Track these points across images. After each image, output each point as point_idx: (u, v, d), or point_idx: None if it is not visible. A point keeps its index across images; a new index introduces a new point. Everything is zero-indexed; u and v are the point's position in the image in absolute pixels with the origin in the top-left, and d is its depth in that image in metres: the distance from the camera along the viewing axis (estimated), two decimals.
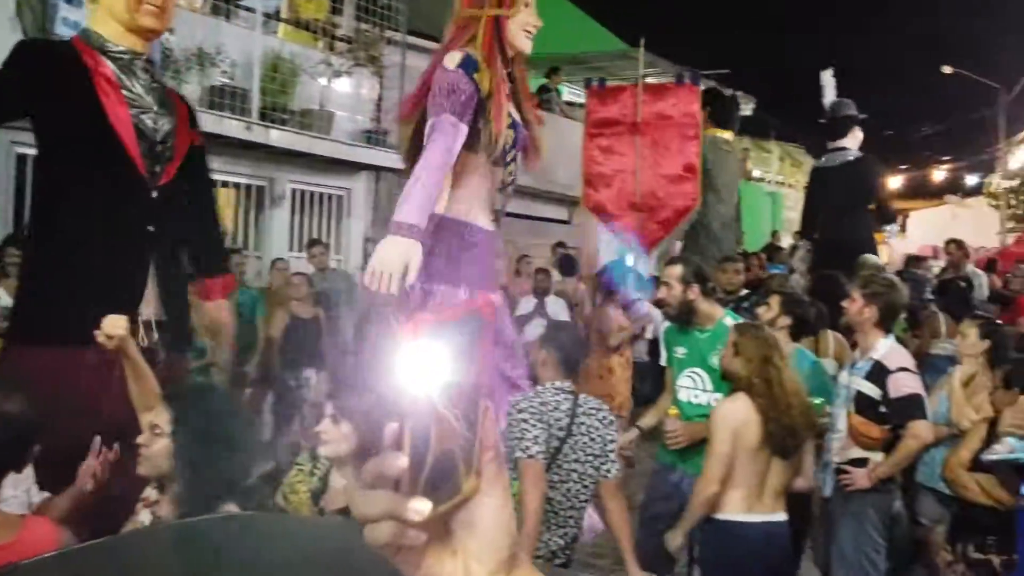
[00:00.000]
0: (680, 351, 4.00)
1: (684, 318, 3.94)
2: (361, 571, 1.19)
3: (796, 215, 13.05)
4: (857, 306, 3.85)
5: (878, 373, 3.74)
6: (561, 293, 9.26)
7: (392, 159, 9.22)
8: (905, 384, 3.70)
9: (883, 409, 3.72)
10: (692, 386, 3.94)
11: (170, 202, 3.18)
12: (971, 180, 27.34)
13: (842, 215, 7.45)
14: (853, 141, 7.60)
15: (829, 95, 7.94)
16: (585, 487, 3.30)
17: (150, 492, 2.41)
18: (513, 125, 3.51)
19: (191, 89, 7.05)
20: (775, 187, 21.27)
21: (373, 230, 9.53)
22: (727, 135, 7.87)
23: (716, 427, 3.39)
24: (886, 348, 3.82)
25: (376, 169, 9.40)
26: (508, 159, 3.54)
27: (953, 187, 27.83)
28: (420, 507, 0.65)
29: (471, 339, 0.59)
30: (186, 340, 3.36)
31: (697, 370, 3.92)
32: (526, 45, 3.53)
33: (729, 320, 3.97)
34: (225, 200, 8.01)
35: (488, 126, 3.41)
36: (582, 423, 3.27)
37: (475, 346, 0.60)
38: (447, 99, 3.27)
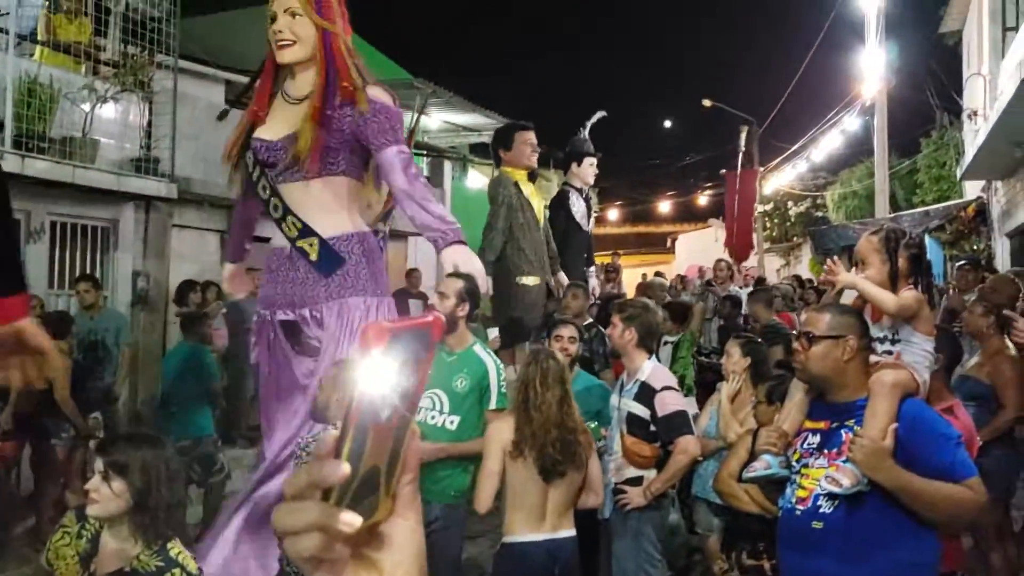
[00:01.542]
0: None
1: (444, 333, 3.98)
2: None
3: None
4: (618, 330, 4.07)
5: (645, 393, 3.97)
6: None
7: (163, 188, 8.79)
8: (670, 402, 3.95)
9: (653, 428, 3.95)
10: (430, 407, 3.99)
11: None
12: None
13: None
14: (573, 177, 7.82)
15: (584, 132, 8.24)
16: None
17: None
18: (248, 145, 3.78)
19: None
20: None
21: (144, 263, 9.02)
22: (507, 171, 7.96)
23: (487, 445, 3.49)
24: (651, 369, 4.06)
25: (146, 199, 8.92)
26: (256, 178, 3.80)
27: (716, 211, 29.94)
28: (351, 519, 0.64)
29: (417, 354, 0.59)
30: None
31: (438, 391, 3.98)
32: (280, 56, 3.69)
33: (478, 348, 4.11)
34: None
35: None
36: None
37: (420, 362, 0.58)
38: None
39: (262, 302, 3.89)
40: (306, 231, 3.69)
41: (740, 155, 19.80)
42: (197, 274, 9.07)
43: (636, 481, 3.96)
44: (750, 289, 8.70)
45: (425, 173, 16.28)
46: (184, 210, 9.65)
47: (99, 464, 2.38)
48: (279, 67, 3.78)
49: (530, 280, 6.44)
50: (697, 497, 4.70)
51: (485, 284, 3.77)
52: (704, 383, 6.58)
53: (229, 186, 4.08)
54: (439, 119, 16.31)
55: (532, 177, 6.63)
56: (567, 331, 4.45)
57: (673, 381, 4.10)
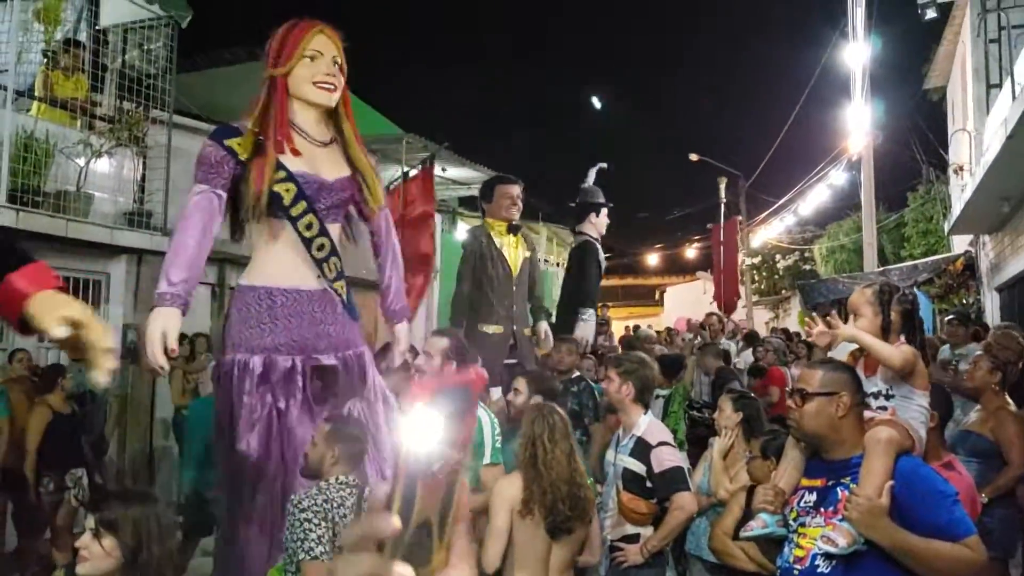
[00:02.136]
0: None
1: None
2: None
3: None
4: (615, 385, 4.06)
5: (641, 449, 3.95)
6: None
7: (155, 241, 8.81)
8: (667, 458, 3.93)
9: (649, 484, 3.92)
10: None
11: None
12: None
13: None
14: (590, 227, 8.03)
15: (589, 182, 8.37)
16: None
17: None
18: (291, 178, 3.53)
19: None
20: (544, 265, 22.19)
21: (135, 315, 9.01)
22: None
23: (493, 504, 3.44)
24: (646, 424, 4.04)
25: (138, 252, 8.94)
26: (297, 214, 3.57)
27: (704, 264, 30.09)
28: (405, 572, 0.66)
29: (461, 409, 0.60)
30: None
31: None
32: (319, 97, 3.63)
33: None
34: None
35: (247, 186, 3.51)
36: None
37: (464, 417, 0.58)
38: (196, 169, 3.54)
39: (286, 347, 3.53)
40: (341, 275, 3.67)
41: (722, 205, 19.98)
42: (187, 327, 9.03)
43: (633, 538, 3.92)
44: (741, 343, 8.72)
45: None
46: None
47: (90, 521, 2.34)
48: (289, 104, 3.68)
49: (490, 328, 6.44)
50: (691, 554, 4.66)
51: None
52: (695, 438, 6.56)
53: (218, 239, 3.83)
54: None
55: (513, 229, 6.64)
56: (521, 384, 4.46)
57: (669, 436, 4.09)
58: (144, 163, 8.89)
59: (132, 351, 8.84)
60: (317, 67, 3.61)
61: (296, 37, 3.62)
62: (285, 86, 3.62)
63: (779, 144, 21.45)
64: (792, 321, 21.34)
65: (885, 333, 3.24)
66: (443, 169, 15.29)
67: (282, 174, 3.53)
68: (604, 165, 8.55)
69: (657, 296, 35.10)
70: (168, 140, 9.06)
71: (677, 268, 33.43)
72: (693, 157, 25.95)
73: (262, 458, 3.43)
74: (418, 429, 0.68)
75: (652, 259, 33.66)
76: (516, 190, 6.78)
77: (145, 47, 9.12)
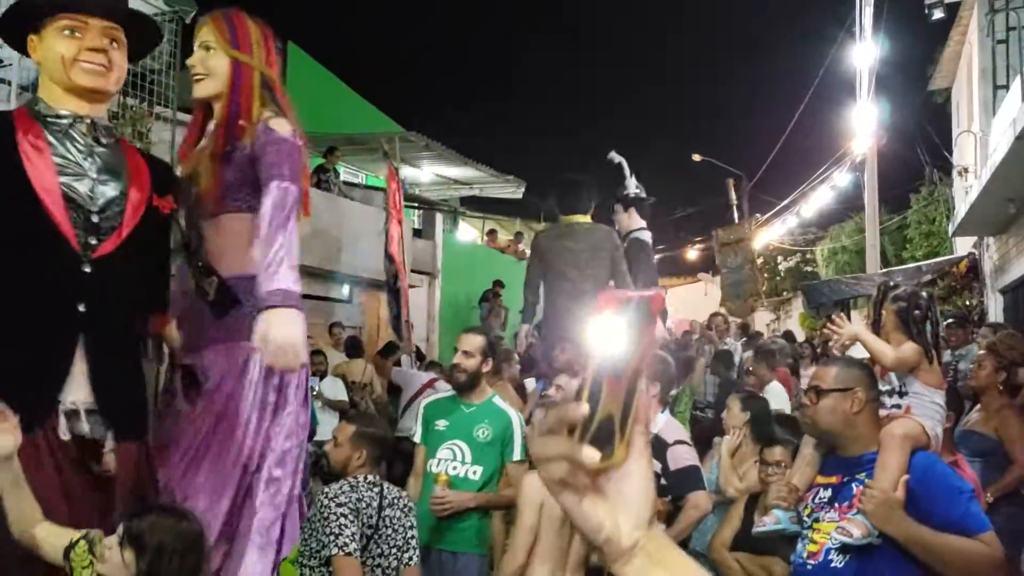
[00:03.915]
0: (441, 424, 4.04)
1: (466, 387, 4.00)
2: None
3: None
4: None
5: (657, 447, 3.94)
6: (343, 374, 9.13)
7: None
8: (683, 456, 3.92)
9: (664, 482, 3.92)
10: (451, 458, 3.96)
11: (112, 276, 2.86)
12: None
13: None
14: (638, 220, 7.80)
15: (628, 174, 8.13)
16: None
17: None
18: None
19: None
20: None
21: None
22: (575, 219, 7.72)
23: (522, 499, 3.42)
24: (663, 422, 4.04)
25: None
26: (179, 215, 3.54)
27: (705, 265, 30.06)
28: (592, 454, 0.77)
29: (643, 321, 0.65)
30: (139, 427, 2.95)
31: (458, 442, 3.96)
32: (194, 89, 3.41)
33: (497, 399, 4.11)
34: None
35: None
36: (387, 516, 3.23)
37: (645, 328, 0.61)
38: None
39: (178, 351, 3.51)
40: (206, 270, 3.39)
41: (733, 207, 19.95)
42: None
43: None
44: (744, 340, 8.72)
45: (417, 225, 16.34)
46: (179, 257, 9.65)
47: (121, 527, 2.33)
48: (209, 107, 3.52)
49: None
50: (696, 552, 4.65)
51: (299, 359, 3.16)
52: (699, 438, 6.56)
53: None
54: (431, 172, 16.45)
55: None
56: (564, 380, 4.44)
57: (685, 435, 4.08)
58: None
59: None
60: (188, 61, 3.41)
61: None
62: None
63: (782, 145, 21.48)
64: (793, 323, 21.34)
65: (877, 331, 3.26)
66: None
67: None
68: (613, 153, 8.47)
69: None
70: (172, 136, 9.06)
71: (678, 269, 33.35)
72: (696, 157, 25.92)
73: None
74: (604, 334, 0.77)
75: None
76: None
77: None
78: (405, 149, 14.73)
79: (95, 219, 2.90)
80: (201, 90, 3.51)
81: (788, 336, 12.86)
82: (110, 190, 2.94)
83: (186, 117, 9.66)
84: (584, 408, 0.77)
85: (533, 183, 17.41)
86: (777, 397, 6.43)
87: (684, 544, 4.52)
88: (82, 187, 2.90)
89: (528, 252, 20.20)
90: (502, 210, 20.63)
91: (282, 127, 3.49)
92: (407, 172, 15.65)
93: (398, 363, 9.86)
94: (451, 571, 3.79)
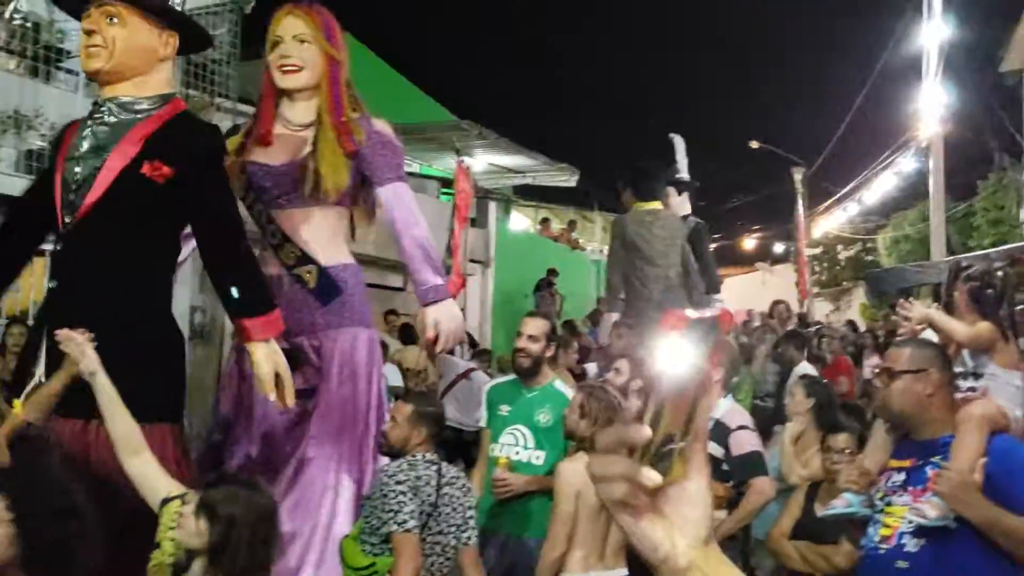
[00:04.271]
0: (504, 408, 4.01)
1: (529, 372, 3.97)
2: None
3: None
4: None
5: (720, 432, 3.88)
6: (399, 361, 9.18)
7: None
8: (746, 442, 3.86)
9: (726, 467, 3.86)
10: (513, 443, 3.94)
11: (76, 251, 3.00)
12: (779, 248, 29.31)
13: None
14: (684, 208, 7.69)
15: (681, 160, 8.03)
16: (448, 559, 3.25)
17: None
18: (244, 169, 3.64)
19: (6, 152, 6.60)
20: (599, 256, 22.08)
21: (201, 297, 9.15)
22: (653, 205, 7.70)
23: (559, 487, 3.39)
24: (726, 407, 3.97)
25: None
26: (248, 204, 3.69)
27: (762, 254, 29.66)
28: (653, 476, 0.78)
29: (708, 340, 0.65)
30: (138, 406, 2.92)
31: (520, 427, 3.93)
32: (282, 81, 3.61)
33: (558, 383, 4.08)
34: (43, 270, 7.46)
35: None
36: (445, 494, 3.22)
37: (711, 347, 0.62)
38: None
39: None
40: (304, 259, 3.64)
41: (799, 196, 19.57)
42: None
43: None
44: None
45: (471, 214, 16.36)
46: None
47: (197, 496, 2.36)
48: (278, 92, 3.71)
49: None
50: (758, 540, 4.58)
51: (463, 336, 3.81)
52: (759, 428, 6.46)
53: None
54: (484, 161, 16.41)
55: None
56: (623, 365, 4.41)
57: (749, 420, 4.01)
58: None
59: (199, 332, 8.99)
60: (278, 51, 3.60)
61: (268, 27, 3.67)
62: (269, 76, 3.67)
63: (842, 131, 21.02)
64: (853, 313, 20.91)
65: (949, 311, 3.16)
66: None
67: (241, 167, 3.67)
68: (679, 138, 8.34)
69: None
70: (233, 127, 9.16)
71: (735, 259, 32.92)
72: (754, 144, 25.52)
73: (232, 424, 3.71)
74: (670, 354, 0.77)
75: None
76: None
77: (210, 33, 9.23)
78: (458, 138, 14.73)
79: (71, 197, 3.00)
80: (293, 81, 3.63)
81: (851, 326, 12.63)
82: (89, 167, 3.00)
83: (246, 108, 9.85)
84: (647, 431, 0.77)
85: (588, 171, 17.30)
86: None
87: (745, 531, 4.46)
88: (72, 168, 3.01)
89: (581, 241, 20.14)
90: (555, 198, 20.55)
91: (386, 128, 3.73)
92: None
93: (452, 351, 9.88)
94: (513, 554, 3.77)
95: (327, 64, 3.65)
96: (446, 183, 15.53)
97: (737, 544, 4.01)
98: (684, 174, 7.65)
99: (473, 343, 11.42)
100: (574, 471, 3.38)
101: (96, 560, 2.03)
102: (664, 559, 0.81)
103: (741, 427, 3.90)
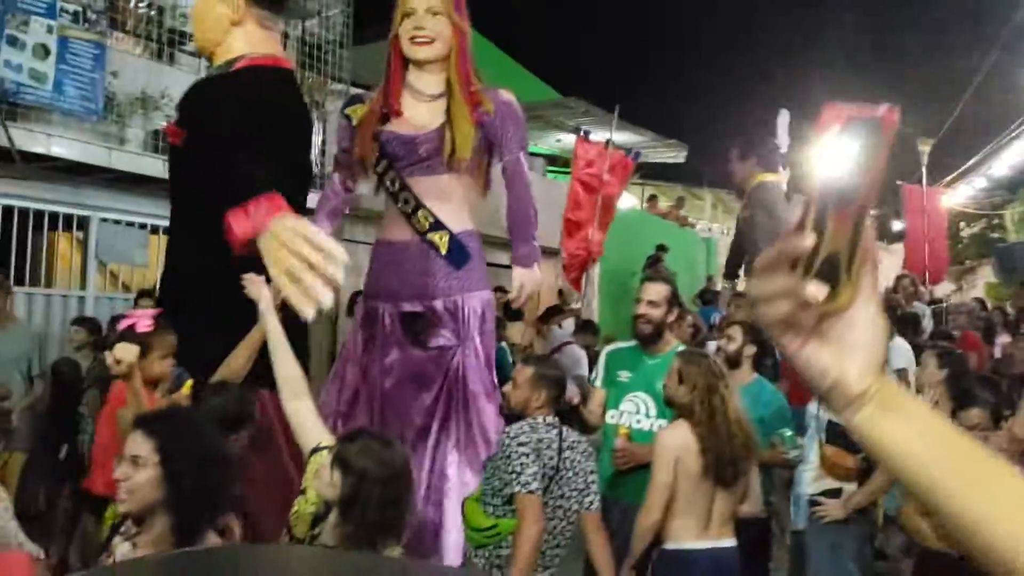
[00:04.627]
0: (624, 375, 3.93)
1: (651, 339, 3.91)
2: None
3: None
4: None
5: None
6: (505, 337, 9.21)
7: None
8: None
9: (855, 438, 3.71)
10: (634, 411, 3.86)
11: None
12: (897, 226, 28.15)
13: None
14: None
15: (782, 136, 7.92)
16: (570, 523, 3.23)
17: (128, 526, 2.26)
18: (377, 138, 3.86)
19: (134, 133, 6.89)
20: (708, 233, 21.65)
21: None
22: (775, 177, 7.75)
23: (657, 455, 3.32)
24: None
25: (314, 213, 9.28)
26: (381, 172, 3.92)
27: (879, 234, 28.58)
28: (815, 290, 0.70)
29: (871, 144, 0.60)
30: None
31: (641, 395, 3.84)
32: (413, 52, 3.83)
33: (682, 350, 3.96)
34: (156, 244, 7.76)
35: (354, 150, 3.94)
36: (567, 458, 3.20)
37: (874, 154, 0.57)
38: None
39: (375, 295, 3.97)
40: (437, 225, 3.83)
41: (923, 168, 18.73)
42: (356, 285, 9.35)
43: (833, 494, 3.74)
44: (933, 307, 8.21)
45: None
46: (353, 225, 9.97)
47: (334, 449, 2.41)
48: (405, 63, 3.90)
49: None
50: (887, 516, 4.41)
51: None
52: None
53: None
54: (592, 138, 16.27)
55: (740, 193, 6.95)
56: (736, 331, 4.35)
57: None
58: (324, 128, 9.20)
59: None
60: (410, 23, 3.77)
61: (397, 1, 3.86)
62: (397, 48, 3.85)
63: (965, 103, 20.00)
64: (978, 292, 19.97)
65: None
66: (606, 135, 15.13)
67: (373, 136, 3.87)
68: (787, 113, 8.16)
69: None
70: None
71: None
72: None
73: (353, 386, 3.91)
74: (829, 156, 0.68)
75: None
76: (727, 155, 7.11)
77: (323, 14, 9.40)
78: (564, 115, 14.65)
79: None
80: (425, 52, 3.81)
81: (979, 303, 12.06)
82: None
83: (360, 92, 10.02)
84: (809, 239, 0.69)
85: (696, 147, 16.98)
86: (900, 355, 6.06)
87: (873, 507, 4.30)
88: None
89: (690, 218, 19.77)
90: (663, 175, 20.23)
91: (513, 99, 3.93)
92: (565, 139, 15.58)
93: (560, 324, 9.87)
94: (634, 523, 3.72)
95: (456, 36, 3.81)
96: (551, 160, 15.49)
97: (865, 520, 3.87)
98: (784, 149, 7.53)
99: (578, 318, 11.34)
100: (673, 439, 3.31)
101: (236, 509, 2.08)
102: (833, 385, 0.76)
103: None
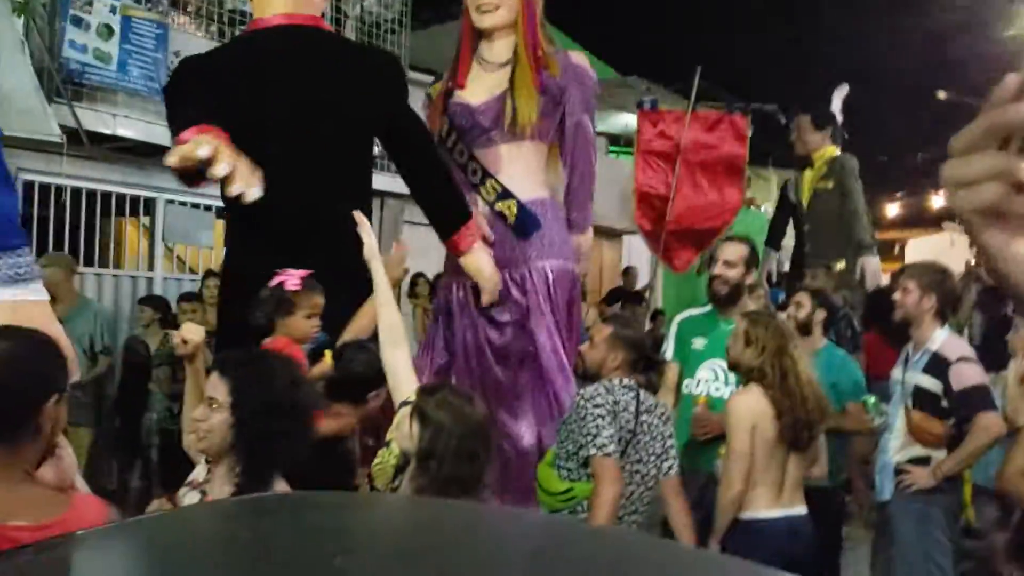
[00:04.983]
0: (699, 343, 3.80)
1: (727, 301, 3.76)
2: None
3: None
4: (914, 297, 3.66)
5: (937, 365, 3.55)
6: None
7: (396, 184, 9.07)
8: (968, 375, 3.51)
9: (945, 403, 3.53)
10: (712, 378, 3.73)
11: None
12: None
13: None
14: None
15: (836, 109, 7.74)
16: (648, 489, 3.12)
17: (199, 472, 2.24)
18: (446, 110, 3.91)
19: None
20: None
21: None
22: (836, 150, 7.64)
23: (733, 422, 3.17)
24: (943, 339, 3.64)
25: (380, 195, 9.25)
26: (450, 145, 3.92)
27: (951, 213, 27.75)
28: None
29: None
30: None
31: (719, 361, 3.66)
32: (480, 21, 3.83)
33: None
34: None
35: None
36: (644, 422, 3.08)
37: None
38: None
39: (450, 269, 3.97)
40: (505, 194, 3.78)
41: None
42: (426, 268, 9.31)
43: (921, 461, 3.56)
44: None
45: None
46: (414, 207, 9.95)
47: (415, 400, 2.39)
48: (476, 34, 3.89)
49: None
50: (977, 487, 4.19)
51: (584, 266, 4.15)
52: None
53: None
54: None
55: (805, 163, 6.92)
56: (804, 298, 4.25)
57: (971, 352, 3.64)
58: None
59: None
60: None
61: None
62: (467, 19, 3.87)
63: None
64: None
65: None
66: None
67: (442, 109, 3.92)
68: (847, 87, 7.96)
69: (897, 250, 32.77)
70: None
71: (920, 220, 30.96)
72: (940, 95, 23.90)
73: (443, 357, 3.97)
74: None
75: (891, 210, 31.39)
76: (796, 122, 6.95)
77: None
78: (622, 95, 14.48)
79: None
80: (491, 20, 3.82)
81: None
82: None
83: (416, 76, 10.00)
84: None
85: (760, 127, 16.62)
86: None
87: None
88: None
89: (756, 198, 19.40)
90: None
91: (582, 61, 3.87)
92: (625, 119, 15.40)
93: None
94: (715, 494, 3.59)
95: (522, 1, 3.76)
96: (613, 140, 15.33)
97: (955, 490, 3.67)
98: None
99: (639, 298, 11.15)
100: (747, 404, 3.16)
101: (300, 459, 2.05)
102: None
103: (962, 359, 3.55)
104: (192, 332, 2.57)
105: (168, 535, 1.34)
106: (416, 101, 9.37)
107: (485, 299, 3.62)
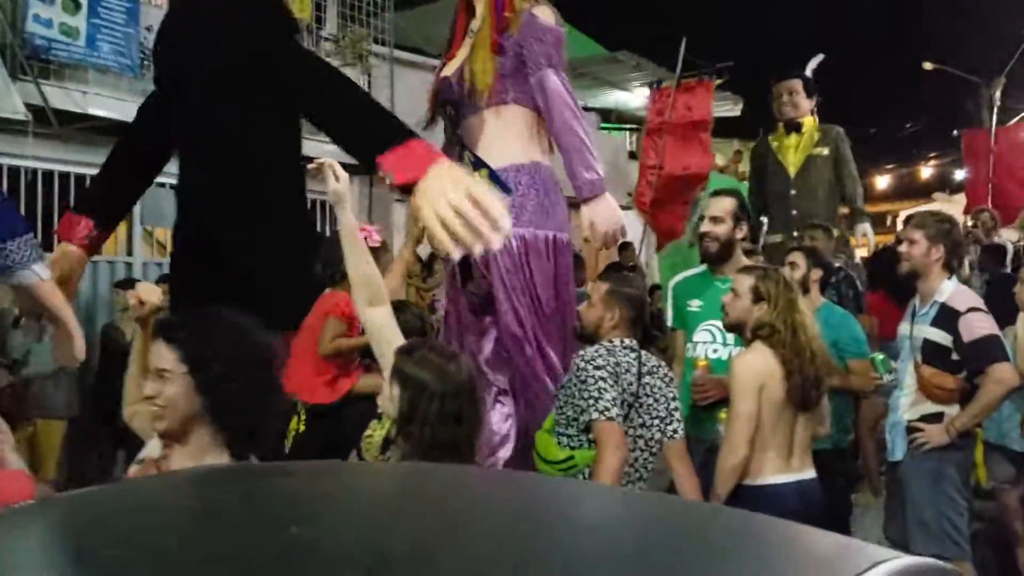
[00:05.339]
0: (695, 304, 3.63)
1: (719, 258, 3.58)
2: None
3: None
4: (921, 248, 3.50)
5: (946, 317, 3.41)
6: None
7: None
8: (979, 325, 3.36)
9: (955, 356, 3.38)
10: (710, 340, 3.56)
11: None
12: (959, 175, 27.23)
13: None
14: None
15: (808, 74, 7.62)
16: (652, 453, 2.97)
17: (152, 447, 2.06)
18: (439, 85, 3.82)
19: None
20: None
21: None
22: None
23: (738, 383, 2.98)
24: (951, 290, 3.49)
25: (369, 173, 9.07)
26: (447, 119, 3.85)
27: (941, 183, 27.70)
28: None
29: None
30: None
31: (716, 322, 3.49)
32: None
33: None
34: None
35: None
36: (647, 384, 2.93)
37: None
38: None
39: None
40: (477, 163, 3.63)
41: (995, 110, 17.96)
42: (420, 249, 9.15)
43: (934, 418, 3.41)
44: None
45: (630, 147, 15.87)
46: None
47: (388, 374, 2.27)
48: (469, 6, 3.79)
49: (771, 238, 6.56)
50: (989, 444, 4.07)
51: (620, 237, 3.73)
52: None
53: None
54: (642, 94, 15.86)
55: (791, 127, 6.64)
56: (798, 258, 4.17)
57: (980, 302, 3.49)
58: (368, 83, 8.99)
59: None
60: None
61: None
62: None
63: None
64: None
65: None
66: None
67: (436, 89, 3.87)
68: (822, 56, 7.82)
69: (889, 222, 32.65)
70: (391, 73, 9.08)
71: (910, 191, 30.90)
72: (927, 66, 23.78)
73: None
74: None
75: (882, 182, 31.26)
76: (787, 86, 6.72)
77: None
78: (613, 72, 14.31)
79: None
80: None
81: None
82: None
83: (403, 55, 9.76)
84: None
85: (751, 99, 16.49)
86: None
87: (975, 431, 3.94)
88: None
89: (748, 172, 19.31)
90: (718, 129, 19.73)
91: (546, 15, 3.67)
92: (617, 96, 15.22)
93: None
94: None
95: None
96: (604, 115, 15.17)
97: (972, 442, 3.53)
98: None
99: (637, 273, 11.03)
100: (752, 364, 2.99)
101: (280, 411, 1.90)
102: None
103: (972, 309, 3.40)
104: (149, 292, 2.38)
105: (106, 508, 1.25)
106: (402, 81, 9.20)
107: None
